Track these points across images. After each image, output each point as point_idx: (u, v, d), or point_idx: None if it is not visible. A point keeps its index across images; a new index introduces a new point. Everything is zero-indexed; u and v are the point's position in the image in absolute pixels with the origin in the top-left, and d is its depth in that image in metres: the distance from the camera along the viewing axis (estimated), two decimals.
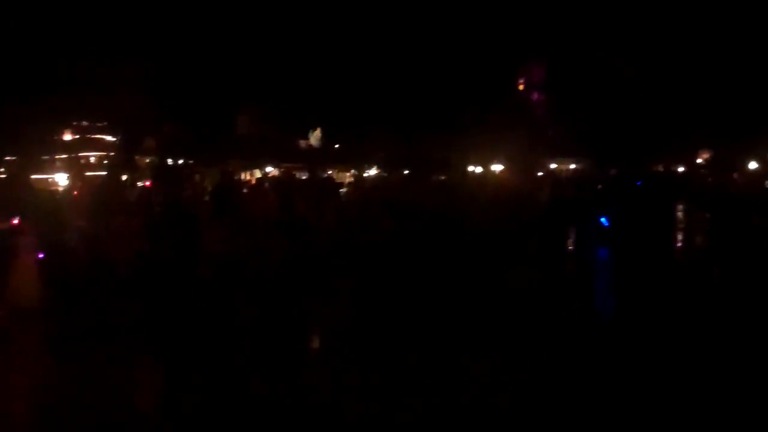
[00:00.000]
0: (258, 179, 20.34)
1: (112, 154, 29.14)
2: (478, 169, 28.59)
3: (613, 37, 31.31)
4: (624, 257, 13.54)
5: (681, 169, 28.21)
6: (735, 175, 17.51)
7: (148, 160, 27.98)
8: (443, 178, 22.50)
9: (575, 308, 9.51)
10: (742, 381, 6.22)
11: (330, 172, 29.39)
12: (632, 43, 30.88)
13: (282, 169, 27.19)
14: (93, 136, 31.64)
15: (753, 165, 23.88)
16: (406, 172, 23.75)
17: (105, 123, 31.01)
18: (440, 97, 33.36)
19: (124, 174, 17.19)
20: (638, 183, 17.48)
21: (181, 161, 28.52)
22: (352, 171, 31.63)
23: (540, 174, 24.03)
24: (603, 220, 15.40)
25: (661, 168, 27.36)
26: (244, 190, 16.37)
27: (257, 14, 32.20)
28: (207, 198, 14.86)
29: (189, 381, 6.45)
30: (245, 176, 28.19)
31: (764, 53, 27.43)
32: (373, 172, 30.17)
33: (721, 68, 29.29)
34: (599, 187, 19.27)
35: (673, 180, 25.06)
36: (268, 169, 30.64)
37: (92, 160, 30.09)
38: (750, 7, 28.05)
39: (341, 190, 19.59)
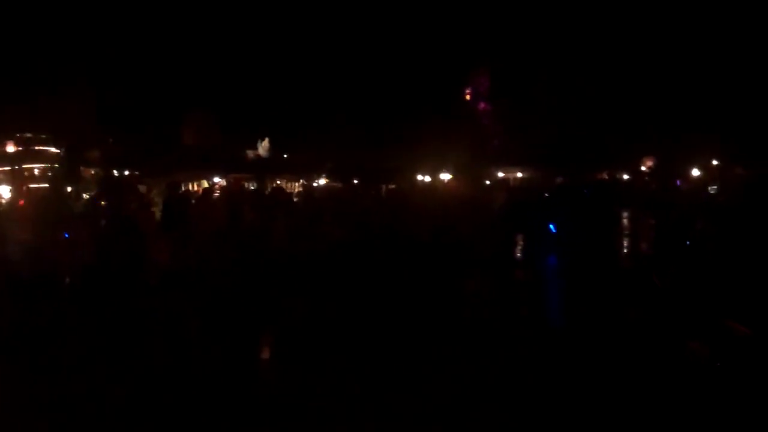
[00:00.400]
0: (205, 189, 20.12)
1: (57, 166, 28.55)
2: (427, 178, 28.75)
3: (558, 47, 31.80)
4: (571, 263, 13.75)
5: (625, 176, 28.77)
6: (678, 182, 17.86)
7: (93, 172, 27.46)
8: (393, 186, 22.58)
9: (524, 313, 9.61)
10: (682, 383, 6.35)
11: (278, 182, 29.25)
12: (576, 53, 31.41)
13: (230, 180, 26.94)
14: (37, 148, 30.95)
15: (696, 172, 24.48)
16: (355, 181, 23.75)
17: (49, 135, 30.38)
18: (388, 106, 33.50)
19: (69, 186, 16.89)
20: (586, 191, 17.79)
21: (126, 172, 28.09)
22: (301, 181, 31.52)
23: (489, 182, 24.25)
24: (551, 226, 15.63)
25: (605, 176, 27.88)
26: (192, 201, 16.17)
27: (202, 24, 31.99)
28: (154, 209, 14.66)
29: (127, 392, 6.37)
30: (192, 187, 27.86)
31: (706, 62, 28.12)
32: (322, 181, 30.08)
33: (664, 76, 29.94)
34: (546, 195, 19.54)
35: (617, 187, 25.54)
36: (216, 179, 30.32)
37: (36, 172, 29.42)
38: (691, 18, 28.76)
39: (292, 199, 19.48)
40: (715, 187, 18.37)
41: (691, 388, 6.19)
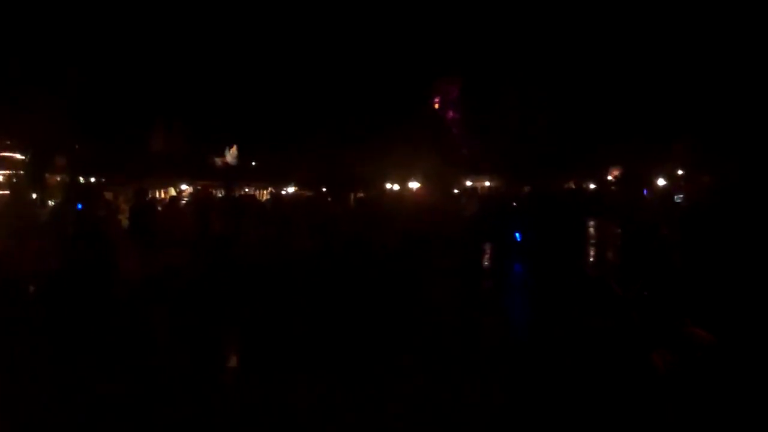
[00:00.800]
0: (172, 197, 20.00)
1: (21, 172, 28.16)
2: (396, 187, 28.84)
3: (526, 57, 32.08)
4: (535, 272, 13.89)
5: (592, 185, 29.10)
6: (645, 191, 18.14)
7: (59, 179, 27.12)
8: (361, 195, 22.61)
9: (488, 323, 9.67)
10: (645, 392, 6.43)
11: (247, 190, 29.15)
12: (544, 64, 31.69)
13: (197, 187, 26.77)
14: (1, 154, 30.50)
15: (662, 181, 24.81)
16: (324, 189, 23.75)
17: (14, 141, 29.95)
18: (357, 114, 33.54)
19: (34, 193, 16.68)
20: (550, 200, 18.02)
21: (93, 179, 27.78)
22: (270, 188, 31.42)
23: (457, 191, 24.38)
24: (516, 235, 15.80)
25: (572, 185, 28.18)
26: (159, 209, 16.04)
27: (170, 31, 31.79)
28: (121, 217, 14.52)
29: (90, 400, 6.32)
30: (160, 194, 27.65)
31: (673, 72, 28.51)
32: (291, 189, 30.03)
33: (631, 85, 30.30)
34: (513, 204, 19.71)
35: (584, 196, 25.80)
36: (183, 186, 30.11)
37: (0, 178, 28.97)
38: (657, 27, 29.17)
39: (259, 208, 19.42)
40: (681, 195, 18.66)
41: (653, 397, 6.27)
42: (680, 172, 26.33)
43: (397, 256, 13.67)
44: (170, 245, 12.93)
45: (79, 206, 13.72)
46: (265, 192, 31.28)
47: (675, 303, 7.87)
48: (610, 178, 29.44)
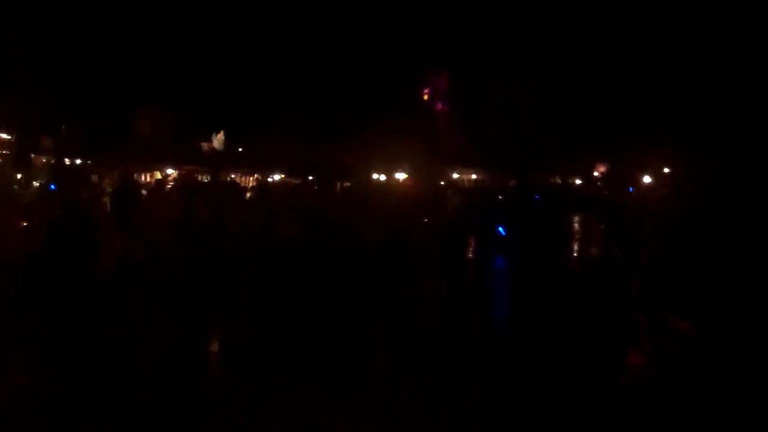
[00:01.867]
0: (157, 181, 19.89)
1: (6, 152, 27.95)
2: (383, 177, 28.85)
3: (515, 51, 32.09)
4: (517, 265, 13.95)
5: (578, 181, 29.23)
6: (631, 189, 18.29)
7: (44, 160, 26.97)
8: (348, 184, 22.61)
9: (470, 315, 9.70)
10: (629, 384, 6.49)
11: (233, 176, 29.06)
12: (532, 58, 31.73)
13: (183, 171, 26.68)
14: None
15: (647, 179, 24.96)
16: (310, 177, 23.73)
17: (0, 121, 29.73)
18: (345, 104, 33.48)
19: (19, 173, 16.58)
20: (536, 196, 18.10)
21: (79, 161, 27.64)
22: (256, 175, 31.36)
23: (443, 183, 24.43)
24: (500, 229, 15.86)
25: (558, 180, 28.30)
26: (144, 192, 15.95)
27: (158, 15, 31.60)
28: (106, 199, 14.45)
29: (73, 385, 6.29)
30: (145, 178, 27.54)
31: (661, 71, 28.61)
32: (277, 177, 29.99)
33: (619, 82, 30.39)
34: (499, 197, 19.77)
35: (569, 192, 25.93)
36: (169, 171, 30.01)
37: None
38: (645, 28, 29.26)
39: (245, 194, 19.38)
40: (666, 192, 18.78)
41: (631, 391, 6.33)
42: (666, 169, 26.48)
43: (382, 246, 13.69)
44: (154, 229, 12.89)
45: (53, 187, 13.66)
46: (251, 179, 31.21)
47: (656, 295, 7.94)
48: (596, 174, 29.58)
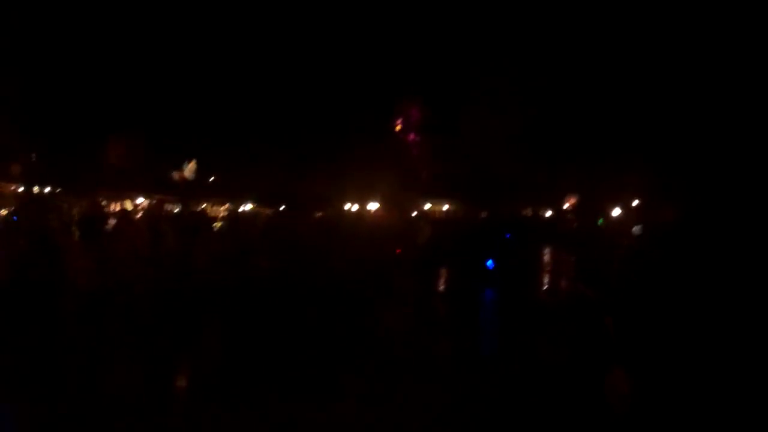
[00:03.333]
0: (125, 211, 19.68)
1: None
2: (355, 207, 28.80)
3: (486, 83, 32.32)
4: (494, 297, 13.92)
5: (548, 213, 29.36)
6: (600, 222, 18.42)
7: (13, 188, 26.61)
8: (320, 214, 22.54)
9: (445, 347, 9.64)
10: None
11: (204, 206, 28.83)
12: (502, 90, 31.96)
13: (153, 201, 26.43)
14: None
15: (617, 211, 25.12)
16: (282, 208, 23.61)
17: None
18: (318, 134, 33.45)
19: None
20: (508, 234, 18.13)
21: (48, 189, 27.29)
22: (227, 205, 31.13)
23: (415, 214, 24.44)
24: (489, 263, 15.86)
25: (529, 212, 28.43)
26: (112, 221, 15.76)
27: (130, 42, 31.46)
28: (74, 228, 14.26)
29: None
30: (115, 207, 27.23)
31: (630, 102, 28.91)
32: (248, 206, 29.80)
33: (589, 113, 30.66)
34: (471, 230, 19.77)
35: (540, 224, 26.03)
36: (139, 200, 29.71)
37: None
38: (614, 58, 29.63)
39: (215, 224, 19.24)
40: (639, 227, 18.86)
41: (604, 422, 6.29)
42: (636, 202, 26.66)
43: (354, 277, 13.61)
44: (122, 259, 12.72)
45: (15, 218, 13.49)
46: (222, 208, 30.98)
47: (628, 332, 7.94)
48: (566, 206, 29.74)
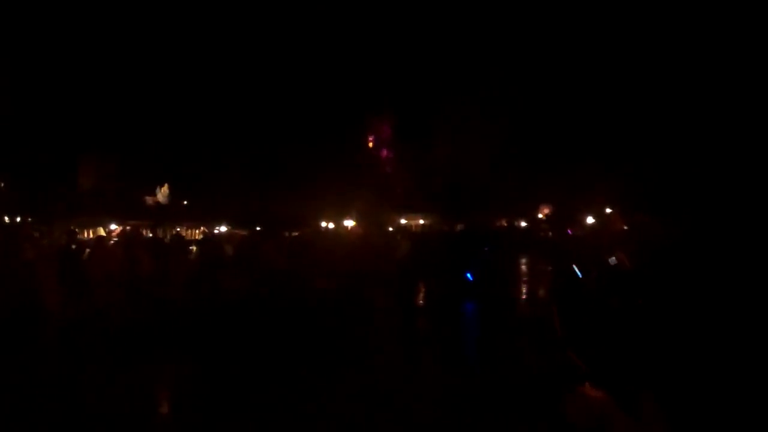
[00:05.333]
0: (99, 237, 19.51)
1: None
2: (331, 225, 28.77)
3: (457, 96, 32.49)
4: (473, 310, 13.96)
5: (523, 223, 29.50)
6: (570, 231, 18.59)
7: None
8: (296, 234, 22.50)
9: (426, 362, 9.65)
10: None
11: (179, 229, 28.68)
12: (474, 102, 32.15)
13: (127, 227, 26.24)
14: None
15: (590, 219, 25.28)
16: (258, 228, 23.53)
17: None
18: (291, 153, 33.43)
19: None
20: (486, 248, 18.18)
21: (19, 218, 27.01)
22: (203, 228, 30.98)
23: (392, 229, 24.46)
24: (468, 275, 15.90)
25: (504, 223, 28.54)
26: (87, 249, 15.64)
27: (100, 67, 31.34)
28: (49, 256, 14.13)
29: None
30: (88, 234, 27.00)
31: (603, 112, 29.16)
32: (223, 228, 29.65)
33: (562, 124, 30.91)
34: (447, 242, 19.80)
35: (516, 234, 26.12)
36: (113, 226, 29.48)
37: None
38: (583, 70, 29.93)
39: (191, 247, 19.15)
40: (614, 259, 18.88)
41: None
42: (608, 210, 26.82)
43: (331, 294, 13.60)
44: (98, 287, 12.63)
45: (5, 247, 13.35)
46: (197, 231, 30.82)
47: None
48: (540, 216, 29.92)
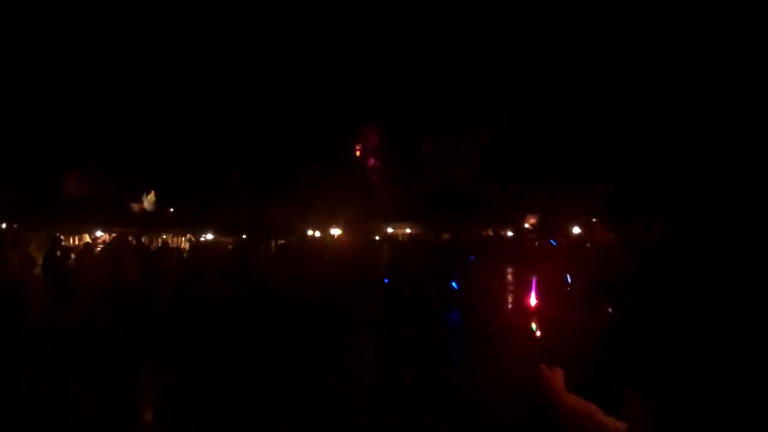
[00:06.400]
0: (86, 244, 19.47)
1: None
2: (317, 233, 28.78)
3: (444, 106, 32.63)
4: (460, 317, 14.00)
5: (510, 233, 29.58)
6: (553, 241, 18.68)
7: None
8: (282, 242, 22.50)
9: (410, 370, 9.68)
10: None
11: (164, 237, 28.61)
12: (461, 112, 32.29)
13: (113, 234, 26.14)
14: None
15: (576, 229, 25.37)
16: (244, 236, 23.52)
17: None
18: (277, 161, 33.42)
19: None
20: (471, 256, 18.22)
21: (4, 225, 26.85)
22: (189, 235, 30.90)
23: (378, 238, 24.49)
24: (453, 283, 15.96)
25: (490, 232, 28.63)
26: (73, 256, 15.61)
27: (86, 73, 31.25)
28: (34, 263, 14.09)
29: None
30: (74, 241, 26.88)
31: (589, 121, 29.29)
32: (210, 236, 29.60)
33: (549, 134, 31.04)
34: (433, 251, 19.85)
35: (503, 243, 26.18)
36: (99, 233, 29.35)
37: None
38: (570, 80, 30.08)
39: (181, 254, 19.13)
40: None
41: None
42: (594, 219, 26.93)
43: (317, 302, 13.61)
44: (84, 293, 12.60)
45: None
46: (183, 239, 30.74)
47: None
48: (526, 225, 30.01)
